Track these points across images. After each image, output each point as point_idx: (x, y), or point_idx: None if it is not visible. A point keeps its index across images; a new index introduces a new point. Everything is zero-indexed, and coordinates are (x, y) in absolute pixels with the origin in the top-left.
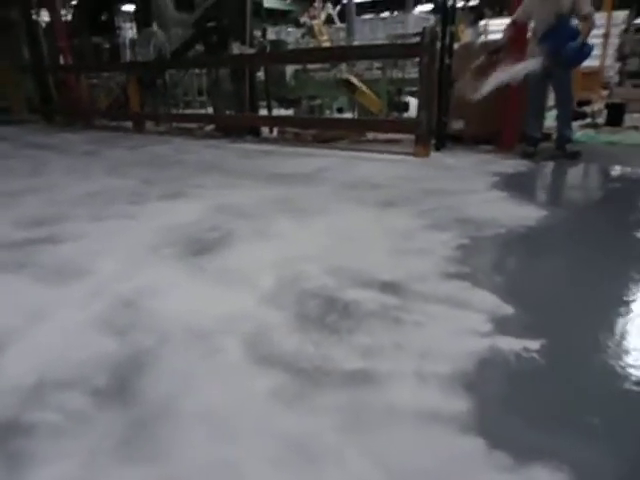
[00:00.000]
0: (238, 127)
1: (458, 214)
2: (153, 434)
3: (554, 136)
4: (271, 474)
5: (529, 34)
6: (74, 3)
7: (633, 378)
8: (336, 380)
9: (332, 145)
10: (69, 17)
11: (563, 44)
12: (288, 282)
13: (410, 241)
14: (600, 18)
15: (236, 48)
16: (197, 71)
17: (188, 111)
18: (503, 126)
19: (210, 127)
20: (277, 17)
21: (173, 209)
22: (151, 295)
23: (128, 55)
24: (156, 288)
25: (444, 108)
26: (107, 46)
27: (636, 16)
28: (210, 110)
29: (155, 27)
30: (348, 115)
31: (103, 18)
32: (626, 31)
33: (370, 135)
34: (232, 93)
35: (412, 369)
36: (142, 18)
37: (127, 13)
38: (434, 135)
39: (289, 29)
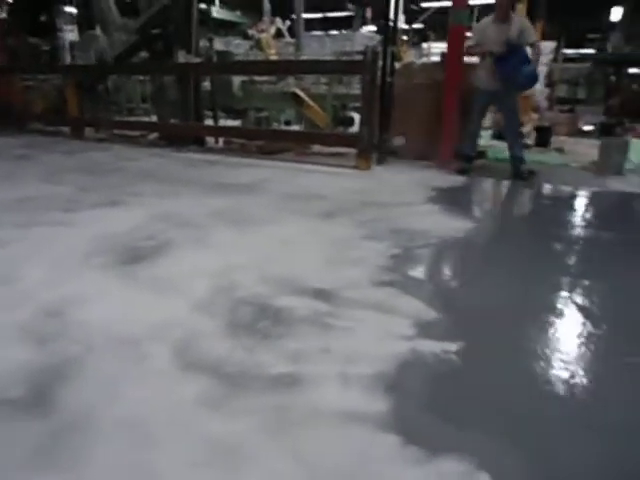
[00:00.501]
0: (183, 136)
1: (394, 225)
2: (72, 442)
3: (488, 154)
4: (190, 476)
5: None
6: (10, 1)
7: (542, 378)
8: (263, 384)
9: (277, 157)
10: (4, 15)
11: (518, 68)
12: (222, 290)
13: (346, 251)
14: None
15: (181, 56)
16: (141, 78)
17: (131, 118)
18: (440, 143)
19: (154, 135)
20: (227, 28)
21: (109, 217)
22: (78, 304)
23: (68, 58)
24: (84, 296)
25: (385, 124)
26: (46, 48)
27: (564, 47)
28: (154, 118)
29: (98, 31)
30: (296, 128)
31: (43, 19)
32: (555, 60)
33: (315, 148)
34: (177, 101)
35: (337, 372)
36: (84, 21)
37: (69, 15)
38: (376, 150)
39: (238, 41)
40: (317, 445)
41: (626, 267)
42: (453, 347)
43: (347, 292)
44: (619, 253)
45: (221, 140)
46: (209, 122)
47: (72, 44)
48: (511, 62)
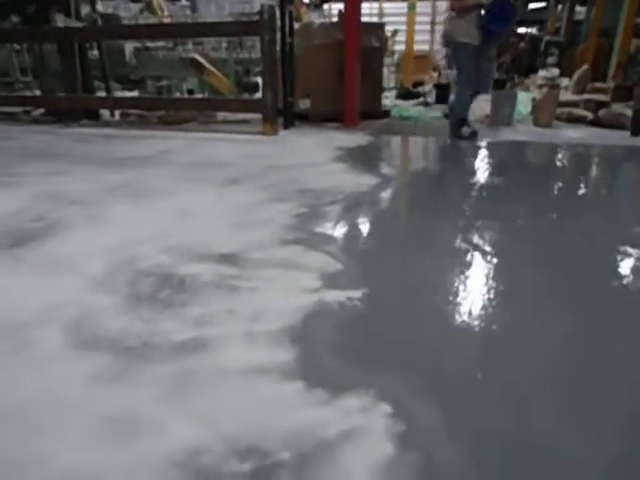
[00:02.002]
0: (72, 110)
1: (300, 186)
2: None
3: (393, 112)
4: (85, 455)
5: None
6: None
7: (443, 316)
8: (165, 353)
9: (180, 127)
10: None
11: (509, 20)
12: (120, 265)
13: (251, 214)
14: (426, 6)
15: (60, 20)
16: (17, 47)
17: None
18: (345, 105)
19: (39, 111)
20: None
21: None
22: None
23: None
24: None
25: (290, 87)
26: None
27: None
28: (38, 93)
29: None
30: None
31: None
32: None
33: (220, 116)
34: (61, 72)
35: (243, 331)
36: None
37: None
38: (281, 114)
39: (127, 4)
40: (222, 404)
41: (516, 207)
42: (357, 294)
43: (252, 254)
44: (508, 195)
45: (118, 113)
46: (102, 94)
47: None
48: (504, 13)
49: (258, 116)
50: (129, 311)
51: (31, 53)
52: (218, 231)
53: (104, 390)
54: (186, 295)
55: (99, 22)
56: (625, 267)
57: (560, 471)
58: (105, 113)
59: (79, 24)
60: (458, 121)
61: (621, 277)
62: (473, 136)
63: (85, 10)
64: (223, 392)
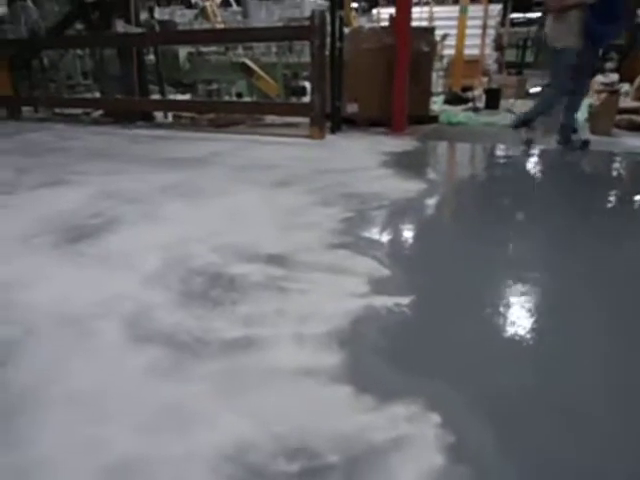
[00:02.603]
0: (128, 112)
1: (347, 190)
2: (16, 422)
3: (441, 118)
4: (142, 441)
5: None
6: None
7: (490, 327)
8: (216, 349)
9: (230, 130)
10: None
11: (618, 22)
12: (174, 262)
13: (299, 217)
14: (477, 10)
15: (120, 27)
16: (80, 52)
17: (73, 96)
18: (393, 109)
19: (98, 113)
20: None
21: (52, 197)
22: (19, 285)
23: None
24: (26, 278)
25: (337, 91)
26: None
27: (511, 10)
28: (97, 95)
29: (28, 1)
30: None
31: None
32: (502, 24)
33: (268, 119)
34: (120, 76)
35: (291, 332)
36: None
37: None
38: (329, 118)
39: (182, 10)
40: (271, 402)
41: (568, 217)
42: (405, 301)
43: (300, 256)
44: (560, 205)
45: (170, 115)
46: (156, 97)
47: (0, 17)
48: (612, 10)
49: (306, 120)
50: (182, 307)
51: (92, 57)
52: (267, 232)
53: (159, 382)
54: (236, 294)
55: (157, 28)
56: None
57: None
58: (159, 115)
59: (138, 30)
60: (518, 122)
61: None
62: (584, 146)
63: (143, 16)
64: (272, 391)
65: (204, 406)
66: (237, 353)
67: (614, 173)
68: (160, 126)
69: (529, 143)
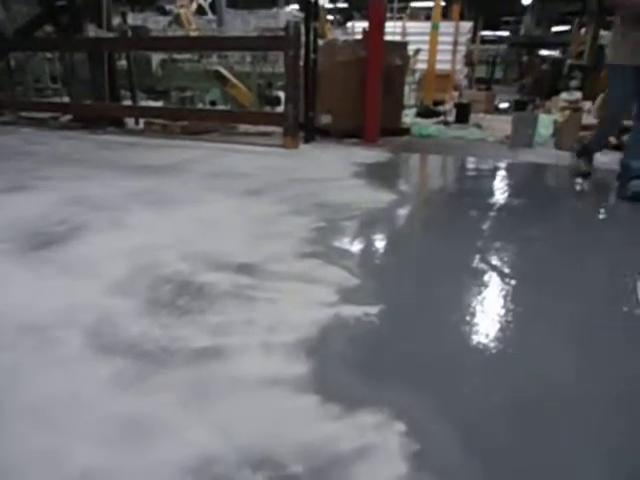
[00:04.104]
0: (98, 118)
1: (319, 199)
2: None
3: (414, 130)
4: (104, 454)
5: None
6: None
7: (458, 334)
8: (182, 359)
9: (202, 137)
10: None
11: None
12: (140, 270)
13: (270, 226)
14: (448, 27)
15: (92, 31)
16: (49, 55)
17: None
18: (366, 121)
19: (66, 118)
20: (143, 4)
21: (15, 203)
22: None
23: None
24: None
25: (311, 102)
26: None
27: (482, 28)
28: (66, 99)
29: None
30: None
31: None
32: (473, 41)
33: (242, 128)
34: (90, 80)
35: (259, 342)
36: None
37: None
38: (303, 128)
39: (156, 17)
40: (236, 413)
41: (535, 228)
42: (374, 310)
43: (270, 265)
44: (527, 217)
45: (142, 122)
46: (128, 103)
47: None
48: None
49: (279, 129)
50: (148, 316)
51: (62, 61)
52: (237, 241)
53: (122, 393)
54: (204, 303)
55: (129, 33)
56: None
57: None
58: (130, 121)
59: (110, 35)
60: (581, 150)
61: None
62: (584, 176)
63: (116, 21)
64: (239, 401)
65: (169, 417)
66: (204, 363)
67: (574, 186)
68: (131, 133)
69: (585, 175)
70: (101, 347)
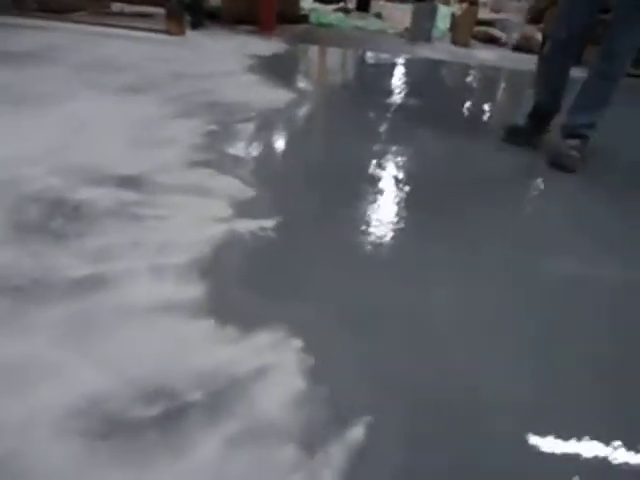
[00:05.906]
0: None
1: (210, 98)
2: None
3: (312, 18)
4: None
5: None
6: None
7: (357, 246)
8: (61, 291)
9: (66, 17)
10: None
11: None
12: (1, 188)
13: (155, 130)
14: None
15: None
16: None
17: None
18: (262, 6)
19: None
20: None
21: None
22: None
23: None
24: None
25: None
26: None
27: None
28: None
29: None
30: None
31: None
32: None
33: (116, 7)
34: None
35: (148, 265)
36: None
37: None
38: (189, 11)
39: None
40: (126, 345)
41: (430, 131)
42: (270, 224)
43: (156, 177)
44: (424, 118)
45: None
46: None
47: None
48: None
49: (161, 11)
50: (14, 243)
51: None
52: (117, 149)
53: None
54: (82, 225)
55: None
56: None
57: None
58: None
59: None
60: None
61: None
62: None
63: None
64: (127, 333)
65: (50, 357)
66: (86, 294)
67: (467, 84)
68: None
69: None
70: None
